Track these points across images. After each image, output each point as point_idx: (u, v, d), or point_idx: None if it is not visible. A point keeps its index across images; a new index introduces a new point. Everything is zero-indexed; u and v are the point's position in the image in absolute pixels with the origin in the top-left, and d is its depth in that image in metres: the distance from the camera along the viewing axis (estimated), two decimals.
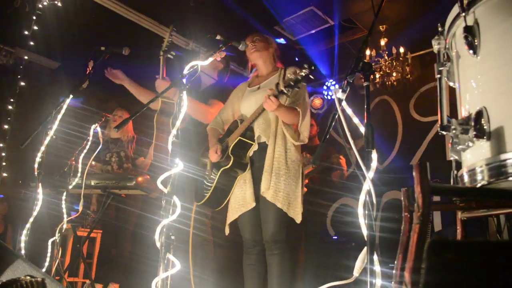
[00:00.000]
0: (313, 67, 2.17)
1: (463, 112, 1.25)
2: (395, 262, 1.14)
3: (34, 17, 4.10)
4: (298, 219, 2.35)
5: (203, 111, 3.01)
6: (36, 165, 2.69)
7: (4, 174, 4.29)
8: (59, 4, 4.14)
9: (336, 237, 4.97)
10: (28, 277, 1.58)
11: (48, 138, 2.69)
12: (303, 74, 2.16)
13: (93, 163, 3.73)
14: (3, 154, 4.31)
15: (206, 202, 2.55)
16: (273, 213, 2.34)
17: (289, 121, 2.40)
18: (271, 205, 2.33)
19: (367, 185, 1.37)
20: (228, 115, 2.77)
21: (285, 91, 2.21)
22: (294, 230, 4.10)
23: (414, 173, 0.98)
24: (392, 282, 1.08)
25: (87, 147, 3.06)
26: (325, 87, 6.29)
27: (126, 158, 4.00)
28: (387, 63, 5.08)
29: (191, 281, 2.58)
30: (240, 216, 2.48)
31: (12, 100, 4.38)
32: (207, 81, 3.19)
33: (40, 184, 2.65)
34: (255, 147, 2.47)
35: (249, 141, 2.47)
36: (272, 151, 2.38)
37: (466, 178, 1.19)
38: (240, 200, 2.46)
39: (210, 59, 2.24)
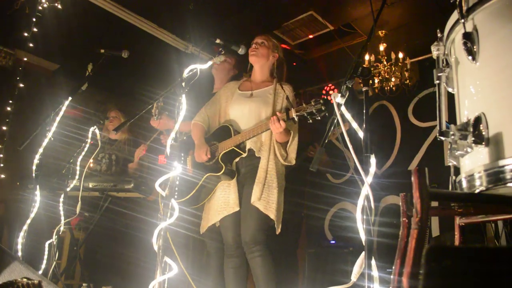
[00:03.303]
0: (326, 101, 2.18)
1: (461, 118, 1.25)
2: (393, 267, 1.14)
3: (34, 19, 4.10)
4: (279, 230, 2.43)
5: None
6: (34, 167, 2.69)
7: (2, 176, 4.28)
8: (59, 6, 4.14)
9: (334, 242, 4.95)
10: (25, 279, 1.57)
11: (46, 140, 2.68)
12: (319, 109, 2.18)
13: (91, 160, 3.72)
14: (1, 155, 4.30)
15: (187, 200, 2.57)
16: (254, 215, 2.38)
17: (281, 140, 2.47)
18: (252, 208, 2.37)
19: (366, 190, 1.37)
20: (214, 112, 2.72)
21: (296, 120, 2.25)
22: (291, 235, 4.11)
23: (412, 179, 0.98)
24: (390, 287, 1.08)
25: (85, 149, 3.06)
26: (324, 92, 6.30)
27: (116, 161, 3.95)
28: (386, 68, 5.09)
29: (190, 283, 2.56)
30: (223, 219, 2.49)
31: (11, 101, 4.38)
32: (219, 86, 3.15)
33: (38, 186, 2.64)
34: (243, 155, 2.51)
35: (240, 151, 2.51)
36: (266, 163, 2.44)
37: (464, 184, 1.20)
38: (222, 204, 2.49)
39: (210, 63, 2.23)
